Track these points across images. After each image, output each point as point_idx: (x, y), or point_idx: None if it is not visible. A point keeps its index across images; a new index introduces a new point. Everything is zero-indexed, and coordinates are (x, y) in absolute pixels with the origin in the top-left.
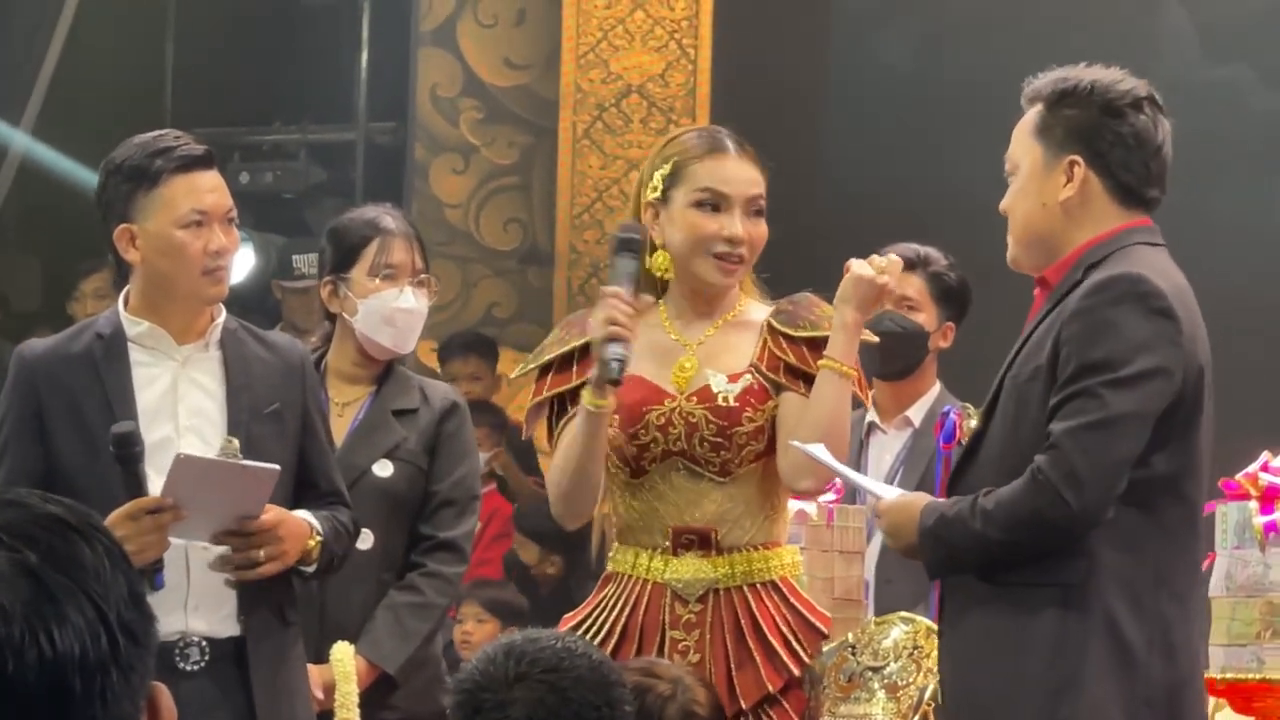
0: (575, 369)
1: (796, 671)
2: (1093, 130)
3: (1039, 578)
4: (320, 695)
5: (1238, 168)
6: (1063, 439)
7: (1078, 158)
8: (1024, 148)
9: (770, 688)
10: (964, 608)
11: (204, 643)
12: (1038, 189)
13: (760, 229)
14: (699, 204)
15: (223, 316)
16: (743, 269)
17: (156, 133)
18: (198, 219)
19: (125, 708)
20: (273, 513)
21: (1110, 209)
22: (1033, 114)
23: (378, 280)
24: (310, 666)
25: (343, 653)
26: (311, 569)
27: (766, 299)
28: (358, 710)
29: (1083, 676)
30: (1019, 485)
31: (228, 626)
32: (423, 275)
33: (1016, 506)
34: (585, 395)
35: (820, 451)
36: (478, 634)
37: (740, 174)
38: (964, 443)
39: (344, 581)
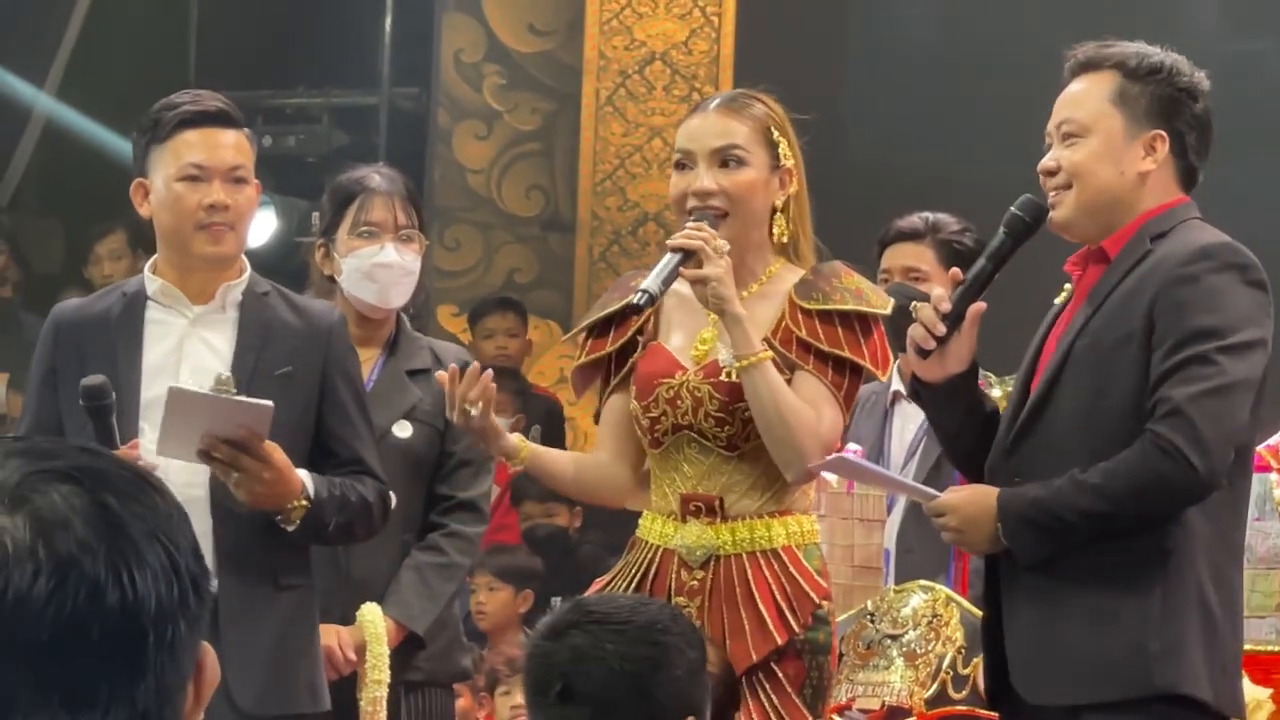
0: (611, 334)
1: (781, 640)
2: (1175, 109)
3: (1133, 545)
4: (353, 656)
5: (1259, 139)
6: (1185, 404)
7: (1163, 133)
8: (1097, 111)
9: (755, 656)
10: (1039, 578)
11: None
12: (1117, 156)
13: (737, 178)
14: (676, 165)
15: (244, 277)
16: (727, 222)
17: (184, 91)
18: (194, 173)
19: (186, 661)
20: (276, 454)
21: (1172, 187)
22: (1108, 80)
23: (357, 239)
24: (340, 629)
25: (372, 614)
26: (290, 529)
27: (818, 261)
28: (388, 671)
29: (1182, 643)
30: (1132, 454)
31: None
32: (407, 231)
33: (1135, 475)
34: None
35: (846, 466)
36: (491, 603)
37: (705, 128)
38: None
39: (367, 543)
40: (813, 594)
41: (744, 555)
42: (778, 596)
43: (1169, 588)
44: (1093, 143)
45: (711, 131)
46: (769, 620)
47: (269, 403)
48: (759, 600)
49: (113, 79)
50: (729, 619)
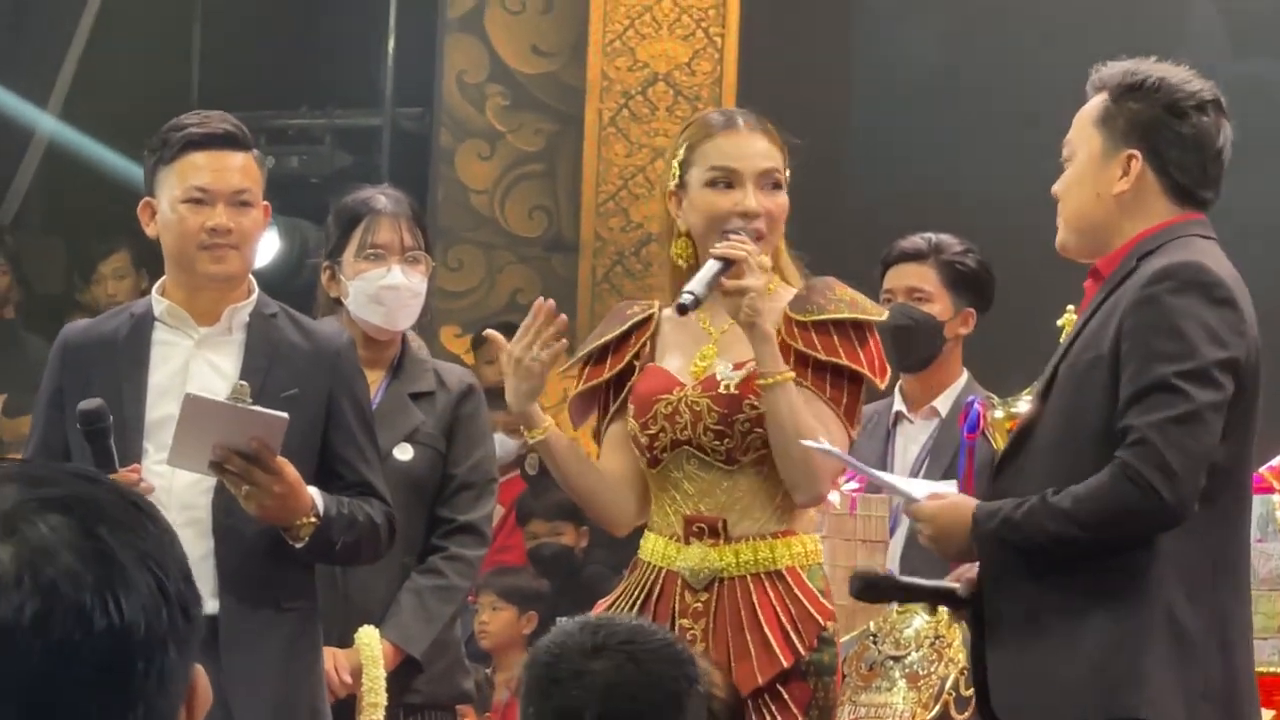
0: (609, 360)
1: (787, 663)
2: (1154, 127)
3: (1100, 567)
4: (348, 679)
5: (1265, 161)
6: (1151, 433)
7: (1136, 153)
8: (1084, 134)
9: (760, 679)
10: (1012, 599)
11: None
12: (1093, 178)
13: (777, 201)
14: (712, 183)
15: (250, 299)
16: (762, 244)
17: (194, 112)
18: (199, 196)
19: (178, 687)
20: (287, 468)
21: (1163, 205)
22: (1097, 102)
23: (364, 261)
24: (337, 651)
25: (369, 637)
26: (299, 545)
27: (805, 279)
28: (385, 694)
29: (1144, 667)
30: (1102, 481)
31: (205, 605)
32: (413, 253)
33: (1103, 502)
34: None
35: (835, 449)
36: (494, 622)
37: (750, 148)
38: (1011, 429)
39: (366, 566)
40: (818, 615)
41: (748, 577)
42: (783, 619)
43: (1132, 611)
44: (1076, 166)
45: (757, 152)
46: (774, 643)
47: (284, 415)
48: (764, 623)
49: (116, 99)
50: (734, 642)
